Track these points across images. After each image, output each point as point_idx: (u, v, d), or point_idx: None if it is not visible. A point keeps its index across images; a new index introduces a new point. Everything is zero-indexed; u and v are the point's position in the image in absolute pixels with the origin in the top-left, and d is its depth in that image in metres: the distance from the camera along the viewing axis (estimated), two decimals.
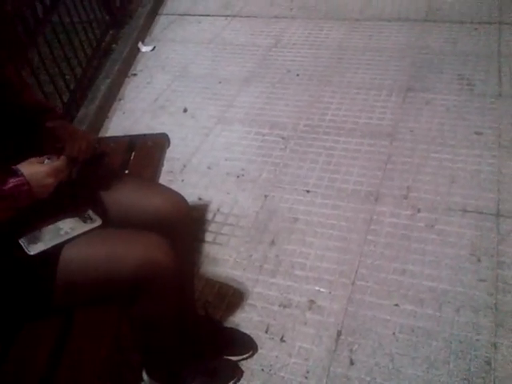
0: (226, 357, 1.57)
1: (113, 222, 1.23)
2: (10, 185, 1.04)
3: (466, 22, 3.20)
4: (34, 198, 1.09)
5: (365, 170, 2.23)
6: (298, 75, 2.94)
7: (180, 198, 1.37)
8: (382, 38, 3.19)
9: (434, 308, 1.66)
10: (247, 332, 1.64)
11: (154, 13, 3.81)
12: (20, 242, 1.08)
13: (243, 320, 1.70)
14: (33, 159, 1.12)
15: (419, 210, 2.01)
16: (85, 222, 1.16)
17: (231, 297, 1.79)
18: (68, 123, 1.39)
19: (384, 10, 3.48)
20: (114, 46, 3.31)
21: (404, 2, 3.53)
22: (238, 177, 2.30)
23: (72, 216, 1.17)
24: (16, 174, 1.06)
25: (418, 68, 2.85)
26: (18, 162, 1.10)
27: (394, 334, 1.61)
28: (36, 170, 1.09)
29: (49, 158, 1.13)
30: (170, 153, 1.86)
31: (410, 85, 2.73)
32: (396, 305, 1.69)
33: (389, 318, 1.65)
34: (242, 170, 2.33)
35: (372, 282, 1.77)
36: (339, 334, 1.63)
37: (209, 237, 2.03)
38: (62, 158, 1.16)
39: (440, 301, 1.68)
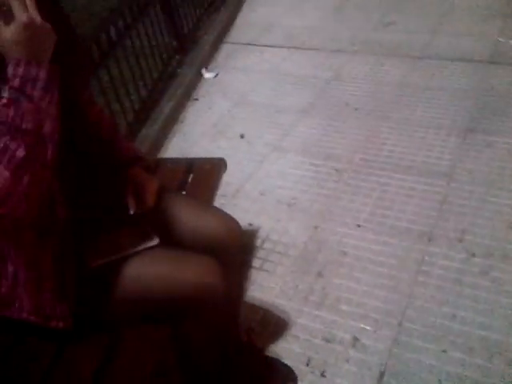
0: None
1: (169, 242, 1.27)
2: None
3: None
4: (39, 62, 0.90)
5: (419, 208, 2.20)
6: (356, 109, 2.95)
7: (234, 223, 1.40)
8: (444, 77, 3.16)
9: (484, 358, 1.60)
10: (288, 363, 1.63)
11: (219, 40, 3.94)
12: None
13: (285, 350, 1.70)
14: None
15: (474, 255, 1.95)
16: (143, 239, 1.20)
17: (274, 325, 1.79)
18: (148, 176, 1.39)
19: (447, 49, 3.45)
20: (179, 70, 3.44)
21: (468, 42, 3.49)
22: (289, 205, 2.32)
23: (131, 232, 1.21)
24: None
25: (481, 109, 2.80)
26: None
27: (439, 380, 1.55)
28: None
29: None
30: (224, 177, 1.90)
31: (471, 126, 2.68)
32: (444, 351, 1.63)
33: (435, 363, 1.60)
34: (294, 198, 2.35)
35: (420, 324, 1.73)
36: (382, 375, 1.59)
37: (256, 263, 2.05)
38: None
39: (491, 351, 1.61)
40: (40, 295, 1.07)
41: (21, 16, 0.85)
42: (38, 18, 0.87)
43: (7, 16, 0.85)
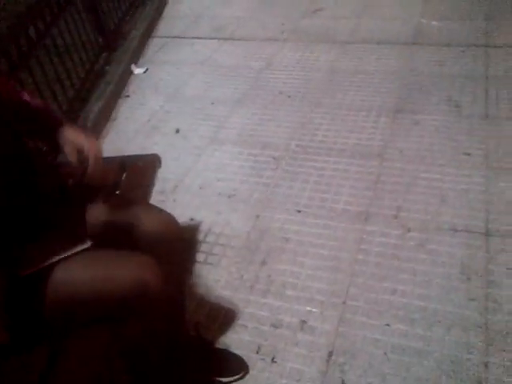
0: (217, 378, 1.56)
1: (103, 243, 1.23)
2: None
3: (453, 45, 3.27)
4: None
5: (355, 189, 2.25)
6: (289, 97, 2.98)
7: (171, 219, 1.38)
8: (371, 60, 3.25)
9: (425, 328, 1.66)
10: (238, 353, 1.63)
11: (146, 35, 3.86)
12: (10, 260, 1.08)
13: (234, 341, 1.70)
14: None
15: (409, 230, 2.02)
16: (74, 243, 1.16)
17: (223, 317, 1.78)
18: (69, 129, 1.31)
19: (373, 34, 3.54)
20: (107, 67, 3.34)
21: (393, 25, 3.61)
22: (229, 197, 2.31)
23: (62, 237, 1.17)
24: None
25: (407, 90, 2.90)
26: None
27: (385, 353, 1.60)
28: None
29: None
30: (162, 173, 1.88)
31: (399, 106, 2.77)
32: (387, 324, 1.69)
33: (380, 337, 1.65)
34: (234, 190, 2.35)
35: (363, 301, 1.77)
36: (330, 354, 1.63)
37: (200, 257, 2.03)
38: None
39: (431, 320, 1.68)
40: None
41: None
42: None
43: None
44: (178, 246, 1.40)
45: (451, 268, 1.85)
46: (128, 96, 3.21)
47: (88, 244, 1.17)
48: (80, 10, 3.20)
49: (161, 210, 1.40)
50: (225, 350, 1.65)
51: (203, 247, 2.07)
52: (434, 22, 3.57)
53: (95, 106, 2.91)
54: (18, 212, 1.16)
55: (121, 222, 1.31)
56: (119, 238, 1.29)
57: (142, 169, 1.71)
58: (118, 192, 1.62)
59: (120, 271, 1.13)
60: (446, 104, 2.74)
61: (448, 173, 2.28)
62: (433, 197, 2.17)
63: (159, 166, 1.79)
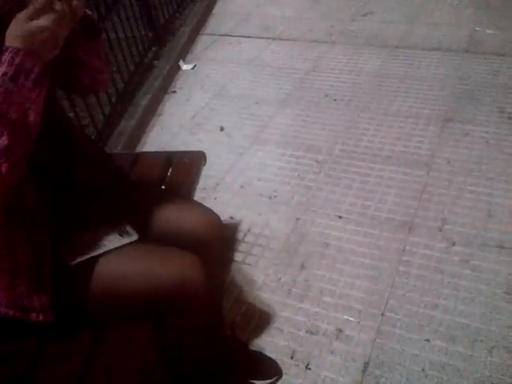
0: (250, 380, 1.55)
1: (148, 237, 1.25)
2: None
3: (508, 55, 3.16)
4: (37, 57, 0.89)
5: (399, 198, 2.20)
6: (335, 100, 2.95)
7: (214, 216, 1.38)
8: (421, 66, 3.17)
9: (466, 346, 1.61)
10: (272, 356, 1.62)
11: (195, 32, 3.89)
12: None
13: (269, 344, 1.69)
14: None
15: (454, 244, 1.96)
16: (122, 235, 1.17)
17: (258, 319, 1.78)
18: None
19: (425, 39, 3.47)
20: (155, 62, 3.38)
21: (445, 32, 3.52)
22: (270, 198, 2.30)
23: (110, 229, 1.18)
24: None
25: (458, 99, 2.82)
26: None
27: (423, 370, 1.56)
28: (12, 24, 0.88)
29: None
30: (204, 170, 1.87)
31: (448, 115, 2.70)
32: (427, 340, 1.64)
33: (418, 353, 1.61)
34: (275, 191, 2.33)
35: (402, 314, 1.73)
36: (366, 365, 1.59)
37: (238, 257, 2.03)
38: None
39: (472, 339, 1.63)
40: (15, 287, 1.05)
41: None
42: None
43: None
44: (219, 244, 1.40)
45: (496, 286, 1.79)
46: (175, 92, 3.24)
47: (135, 237, 1.18)
48: (133, 3, 3.26)
49: (205, 207, 1.40)
50: (259, 352, 1.64)
51: (242, 247, 2.07)
52: (488, 31, 3.46)
53: (143, 100, 2.95)
54: (66, 199, 1.18)
55: (166, 216, 1.32)
56: (163, 232, 1.30)
57: (188, 165, 1.72)
58: (163, 187, 1.63)
59: (165, 267, 1.13)
60: (498, 116, 2.65)
61: (497, 187, 2.21)
62: (480, 211, 2.10)
63: (204, 163, 1.79)
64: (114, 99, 2.84)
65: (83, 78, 1.23)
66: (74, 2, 0.92)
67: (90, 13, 1.14)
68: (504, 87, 2.87)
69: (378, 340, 1.66)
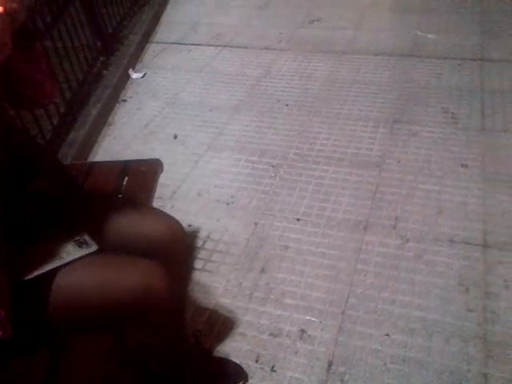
0: None
1: (108, 247, 1.22)
2: None
3: (450, 58, 3.30)
4: None
5: (354, 199, 2.26)
6: (287, 105, 2.99)
7: (176, 223, 1.37)
8: (369, 71, 3.27)
9: (425, 338, 1.67)
10: (237, 361, 1.62)
11: (145, 40, 3.85)
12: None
13: (233, 349, 1.68)
14: None
15: (408, 240, 2.03)
16: (80, 246, 1.15)
17: (221, 325, 1.77)
18: None
19: (370, 45, 3.57)
20: (104, 72, 3.33)
21: (389, 36, 3.64)
22: (227, 204, 2.30)
23: (67, 240, 1.15)
24: None
25: (405, 101, 2.92)
26: None
27: (385, 364, 1.60)
28: None
29: None
30: (159, 179, 1.86)
31: (396, 117, 2.79)
32: (386, 334, 1.69)
33: (379, 347, 1.65)
34: (232, 197, 2.34)
35: (362, 311, 1.77)
36: (330, 364, 1.62)
37: (198, 264, 2.02)
38: None
39: (430, 331, 1.69)
40: None
41: None
42: None
43: None
44: (183, 248, 1.39)
45: (449, 279, 1.86)
46: (125, 100, 3.20)
47: (94, 247, 1.15)
48: (79, 12, 3.19)
49: (165, 214, 1.39)
50: (224, 358, 1.64)
51: (202, 254, 2.06)
52: (430, 35, 3.61)
53: (93, 109, 2.89)
54: (19, 211, 1.15)
55: (125, 225, 1.30)
56: (124, 242, 1.27)
57: (145, 173, 1.70)
58: (120, 196, 1.60)
59: (125, 276, 1.11)
60: (444, 116, 2.76)
61: (445, 184, 2.30)
62: (430, 208, 2.18)
63: (161, 171, 1.77)
64: (62, 110, 2.76)
65: (25, 91, 1.20)
66: (13, 5, 0.89)
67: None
68: (447, 89, 2.99)
69: (340, 338, 1.69)
